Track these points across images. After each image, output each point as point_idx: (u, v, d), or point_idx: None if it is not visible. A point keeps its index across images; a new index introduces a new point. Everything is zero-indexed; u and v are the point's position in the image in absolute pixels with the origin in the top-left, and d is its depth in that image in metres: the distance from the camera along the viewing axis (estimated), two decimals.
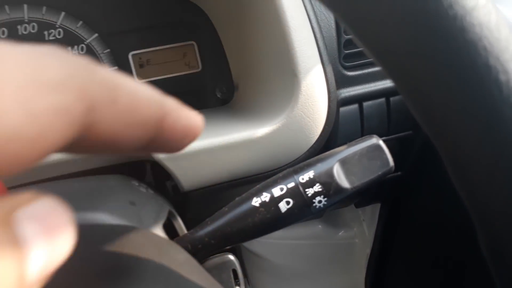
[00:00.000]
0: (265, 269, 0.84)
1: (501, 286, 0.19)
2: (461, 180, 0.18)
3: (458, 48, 0.16)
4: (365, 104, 0.50)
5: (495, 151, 0.16)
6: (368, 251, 0.80)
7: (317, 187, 0.31)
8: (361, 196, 0.65)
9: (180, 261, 0.25)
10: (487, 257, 0.19)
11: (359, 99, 0.50)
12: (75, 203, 0.24)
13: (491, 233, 0.19)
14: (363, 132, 0.51)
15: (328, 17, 0.46)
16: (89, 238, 0.23)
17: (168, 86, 0.52)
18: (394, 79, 0.18)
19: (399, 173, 0.59)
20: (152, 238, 0.27)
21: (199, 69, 0.53)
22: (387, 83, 0.50)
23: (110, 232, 0.26)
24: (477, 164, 0.17)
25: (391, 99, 0.51)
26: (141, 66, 0.52)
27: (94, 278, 0.20)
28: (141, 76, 0.51)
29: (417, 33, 0.16)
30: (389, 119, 0.53)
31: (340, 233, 0.83)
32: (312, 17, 0.42)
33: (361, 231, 0.82)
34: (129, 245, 0.23)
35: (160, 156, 0.37)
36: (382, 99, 0.51)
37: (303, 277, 0.85)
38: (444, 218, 0.65)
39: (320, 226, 0.83)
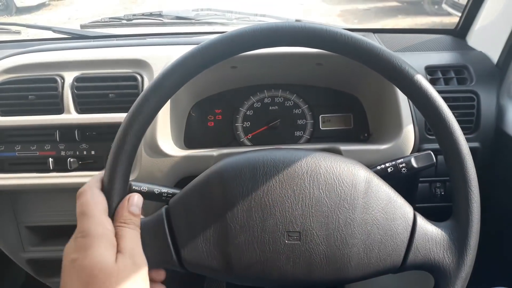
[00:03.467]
0: None
1: None
2: None
3: None
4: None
5: None
6: None
7: (402, 165, 0.77)
8: None
9: None
10: None
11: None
12: None
13: None
14: None
15: None
16: None
17: (335, 133, 1.06)
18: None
19: None
20: None
21: (351, 127, 1.07)
22: None
23: None
24: None
25: None
26: (323, 122, 1.07)
27: None
28: (323, 126, 1.07)
29: None
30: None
31: None
32: (411, 104, 0.93)
33: None
34: None
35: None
36: None
37: None
38: None
39: None
